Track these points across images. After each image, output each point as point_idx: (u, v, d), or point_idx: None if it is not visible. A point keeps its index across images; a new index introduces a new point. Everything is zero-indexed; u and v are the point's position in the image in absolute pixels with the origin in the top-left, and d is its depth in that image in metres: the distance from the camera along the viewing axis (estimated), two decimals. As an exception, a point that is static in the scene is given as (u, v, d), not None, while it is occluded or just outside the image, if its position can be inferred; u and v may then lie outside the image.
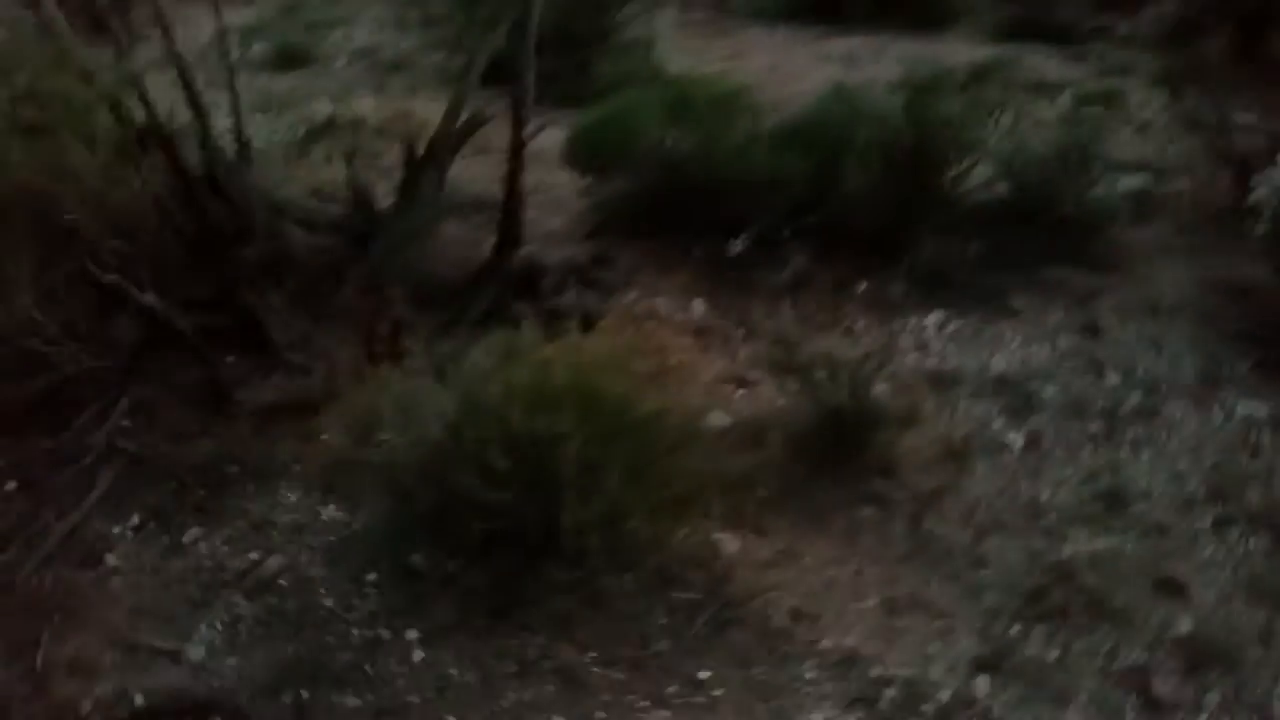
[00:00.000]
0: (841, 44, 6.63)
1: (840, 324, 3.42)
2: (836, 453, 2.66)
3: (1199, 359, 3.17)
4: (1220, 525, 2.49)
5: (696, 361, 3.22)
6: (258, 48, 6.09)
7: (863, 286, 3.61)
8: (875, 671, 2.13)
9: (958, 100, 3.99)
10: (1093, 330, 3.36)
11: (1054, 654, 2.16)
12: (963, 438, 2.82)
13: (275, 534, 2.44)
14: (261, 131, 4.88)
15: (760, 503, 2.57)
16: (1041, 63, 6.06)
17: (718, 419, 2.89)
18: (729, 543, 2.44)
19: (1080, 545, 2.43)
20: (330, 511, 2.48)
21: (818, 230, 3.66)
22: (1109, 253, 3.80)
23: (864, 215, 3.66)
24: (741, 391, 3.07)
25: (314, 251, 3.34)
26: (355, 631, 2.21)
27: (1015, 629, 2.22)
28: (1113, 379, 3.09)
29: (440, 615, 2.23)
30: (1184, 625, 2.20)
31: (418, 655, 2.16)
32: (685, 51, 6.33)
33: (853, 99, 3.85)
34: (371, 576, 2.28)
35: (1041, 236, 3.78)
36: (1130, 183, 4.15)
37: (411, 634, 2.20)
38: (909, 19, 6.99)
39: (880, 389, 2.85)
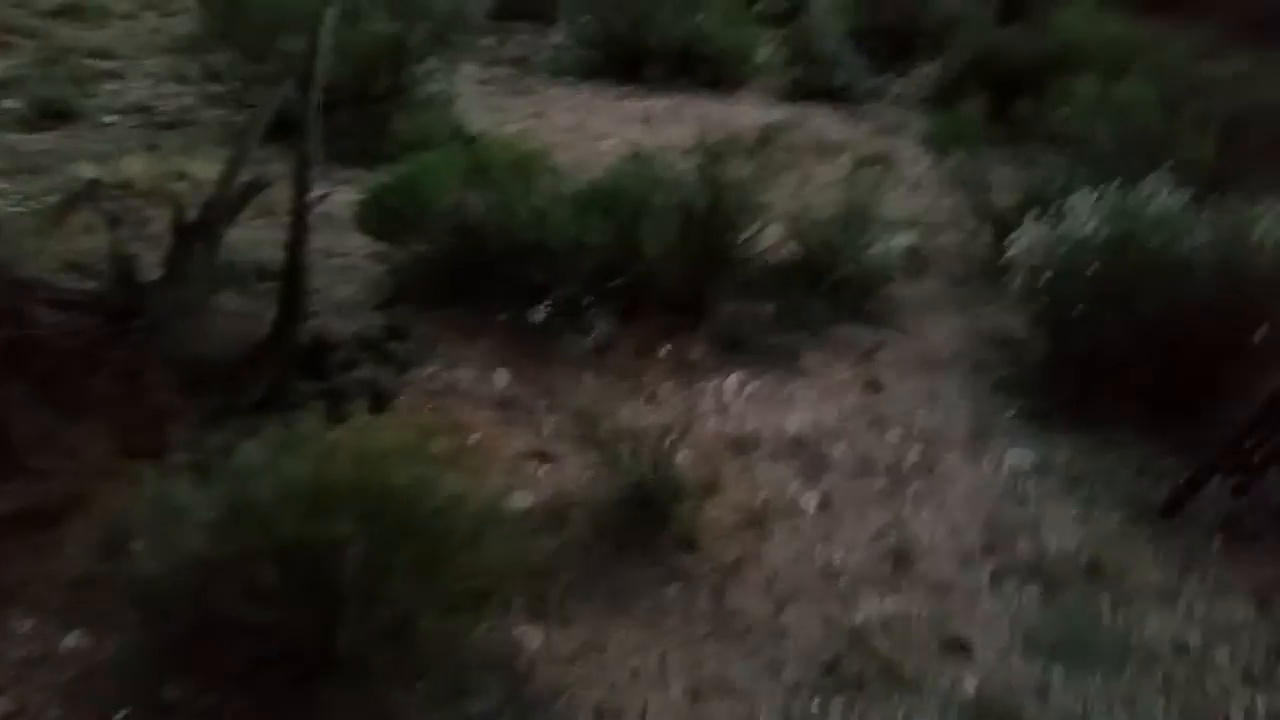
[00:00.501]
0: (641, 104, 6.78)
1: (643, 390, 3.43)
2: (639, 528, 2.63)
3: (970, 410, 3.38)
4: (997, 578, 2.63)
5: (498, 438, 3.13)
6: (10, 103, 5.55)
7: (665, 350, 3.64)
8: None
9: (748, 163, 4.14)
10: (875, 386, 3.53)
11: (851, 727, 2.20)
12: (761, 503, 2.86)
13: (2, 671, 2.13)
14: (10, 197, 4.44)
15: (564, 589, 2.50)
16: (824, 123, 6.43)
17: (519, 500, 2.81)
18: (530, 637, 2.34)
19: (872, 609, 2.50)
20: (72, 640, 2.19)
21: (620, 294, 3.67)
22: (887, 308, 4.02)
23: (663, 279, 3.71)
24: (545, 467, 3.00)
25: (64, 334, 3.01)
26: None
27: (815, 703, 2.24)
28: (894, 434, 3.24)
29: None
30: (970, 686, 2.29)
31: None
32: (486, 109, 6.28)
33: (650, 163, 3.91)
34: (119, 716, 2.02)
35: (827, 295, 3.96)
36: (903, 240, 4.42)
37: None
38: (704, 80, 7.26)
39: (682, 457, 2.85)
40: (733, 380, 3.53)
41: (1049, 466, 3.06)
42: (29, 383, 2.80)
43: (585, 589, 2.51)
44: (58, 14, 7.45)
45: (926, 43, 7.42)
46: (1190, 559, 2.70)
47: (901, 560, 2.67)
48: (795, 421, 3.29)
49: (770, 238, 4.07)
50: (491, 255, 3.70)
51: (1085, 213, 3.34)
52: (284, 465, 2.14)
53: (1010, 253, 3.53)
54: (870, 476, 3.02)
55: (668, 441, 2.77)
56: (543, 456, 3.04)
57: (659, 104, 6.72)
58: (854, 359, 3.70)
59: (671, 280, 3.68)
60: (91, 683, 2.07)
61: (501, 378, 3.43)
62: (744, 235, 3.86)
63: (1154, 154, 3.80)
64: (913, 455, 3.12)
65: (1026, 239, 3.47)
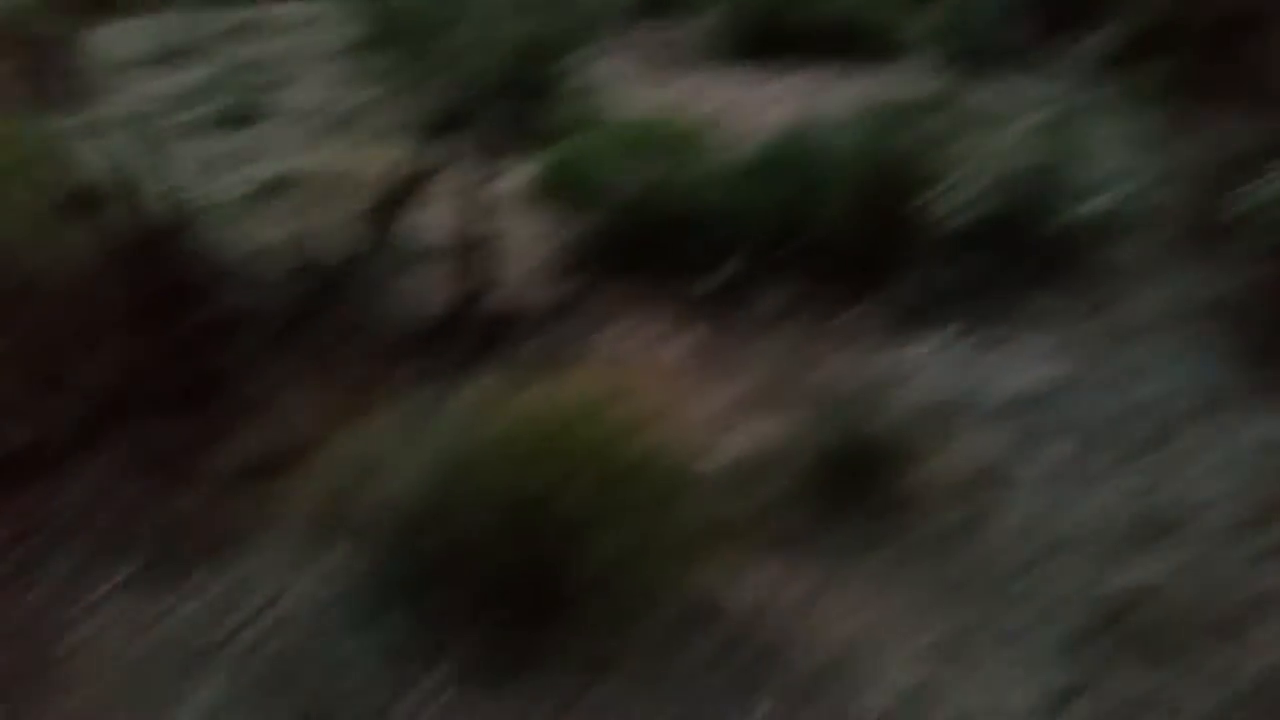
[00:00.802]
0: (794, 81, 6.62)
1: (832, 354, 3.29)
2: (853, 487, 2.50)
3: (1196, 379, 3.08)
4: (1272, 552, 2.35)
5: (687, 399, 3.06)
6: (200, 109, 5.90)
7: (845, 317, 3.49)
8: None
9: (915, 130, 3.94)
10: (1083, 353, 3.26)
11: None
12: (978, 467, 2.68)
13: (261, 591, 2.21)
14: (210, 190, 4.69)
15: (783, 543, 2.39)
16: (993, 91, 6.09)
17: (721, 455, 2.72)
18: (752, 589, 2.25)
19: (1121, 579, 2.28)
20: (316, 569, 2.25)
21: (795, 262, 3.55)
22: (1088, 273, 3.73)
23: (841, 246, 3.56)
24: (741, 427, 2.90)
25: (266, 310, 3.14)
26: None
27: (1053, 675, 2.04)
28: (1114, 403, 2.99)
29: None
30: (1246, 666, 2.04)
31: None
32: (641, 94, 6.27)
33: (817, 130, 3.78)
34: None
35: (1022, 259, 3.71)
36: (1103, 201, 4.11)
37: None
38: (860, 54, 7.03)
39: (885, 418, 2.70)
40: (926, 346, 3.34)
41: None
42: (242, 351, 2.93)
43: (806, 544, 2.39)
44: (234, 31, 7.92)
45: (1100, 4, 6.94)
46: None
47: (1149, 530, 2.42)
48: (1001, 386, 3.08)
49: (953, 201, 3.86)
50: (664, 226, 3.65)
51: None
52: (491, 419, 2.14)
53: (1234, 210, 3.20)
54: (1094, 442, 2.78)
55: (867, 402, 2.64)
56: (736, 417, 2.94)
57: (813, 81, 6.54)
58: (1058, 323, 3.45)
59: (848, 248, 3.53)
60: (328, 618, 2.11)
61: (683, 343, 3.36)
62: (921, 200, 3.67)
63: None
64: (1139, 425, 2.86)
65: (1251, 197, 3.14)
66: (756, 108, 6.01)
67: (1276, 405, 2.88)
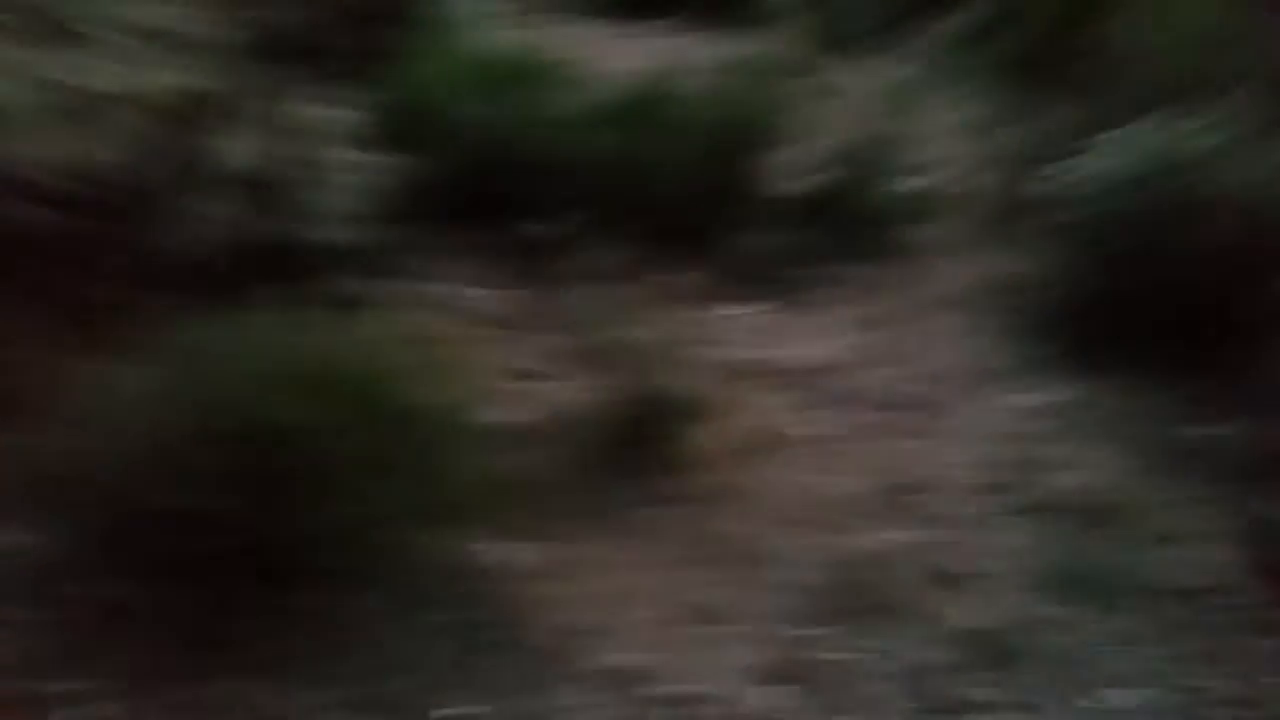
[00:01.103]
0: (657, 41, 6.59)
1: (645, 314, 3.30)
2: (631, 449, 2.53)
3: (980, 350, 3.26)
4: (996, 514, 2.52)
5: (487, 353, 3.02)
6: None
7: (670, 276, 3.52)
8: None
9: (770, 93, 3.99)
10: (885, 323, 3.39)
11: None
12: (756, 431, 2.75)
13: None
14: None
15: (544, 506, 2.40)
16: (846, 68, 6.22)
17: (500, 413, 2.70)
18: (502, 552, 2.25)
19: (865, 540, 2.39)
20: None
21: (633, 217, 3.54)
22: (903, 247, 3.87)
23: (680, 203, 3.57)
24: (535, 384, 2.89)
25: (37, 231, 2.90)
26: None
27: (798, 631, 2.14)
28: (900, 371, 3.13)
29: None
30: (960, 618, 2.18)
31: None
32: (498, 35, 6.12)
33: (671, 85, 3.76)
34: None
35: (842, 231, 3.81)
36: (924, 180, 4.27)
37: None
38: (727, 18, 7.04)
39: (680, 381, 2.74)
40: (737, 310, 3.40)
41: (1055, 408, 2.93)
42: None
43: (567, 506, 2.42)
44: None
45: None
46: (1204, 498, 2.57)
47: (897, 495, 2.55)
48: (797, 354, 3.17)
49: (789, 170, 3.94)
50: (504, 170, 3.56)
51: (1113, 152, 3.17)
52: (256, 356, 2.03)
53: (1034, 192, 3.38)
54: (869, 411, 2.90)
55: (664, 363, 2.67)
56: (533, 374, 2.93)
57: (677, 39, 6.53)
58: (861, 295, 3.57)
59: (688, 203, 3.54)
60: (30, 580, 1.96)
61: (497, 294, 3.32)
62: (760, 165, 3.72)
63: (1186, 97, 3.61)
64: (915, 392, 3.00)
65: (1047, 180, 3.32)
66: (617, 60, 5.95)
67: (1040, 379, 3.07)
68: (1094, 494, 2.56)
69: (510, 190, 3.52)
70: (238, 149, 3.58)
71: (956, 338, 3.33)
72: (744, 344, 3.22)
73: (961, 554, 2.37)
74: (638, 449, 2.54)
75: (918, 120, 5.30)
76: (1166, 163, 2.95)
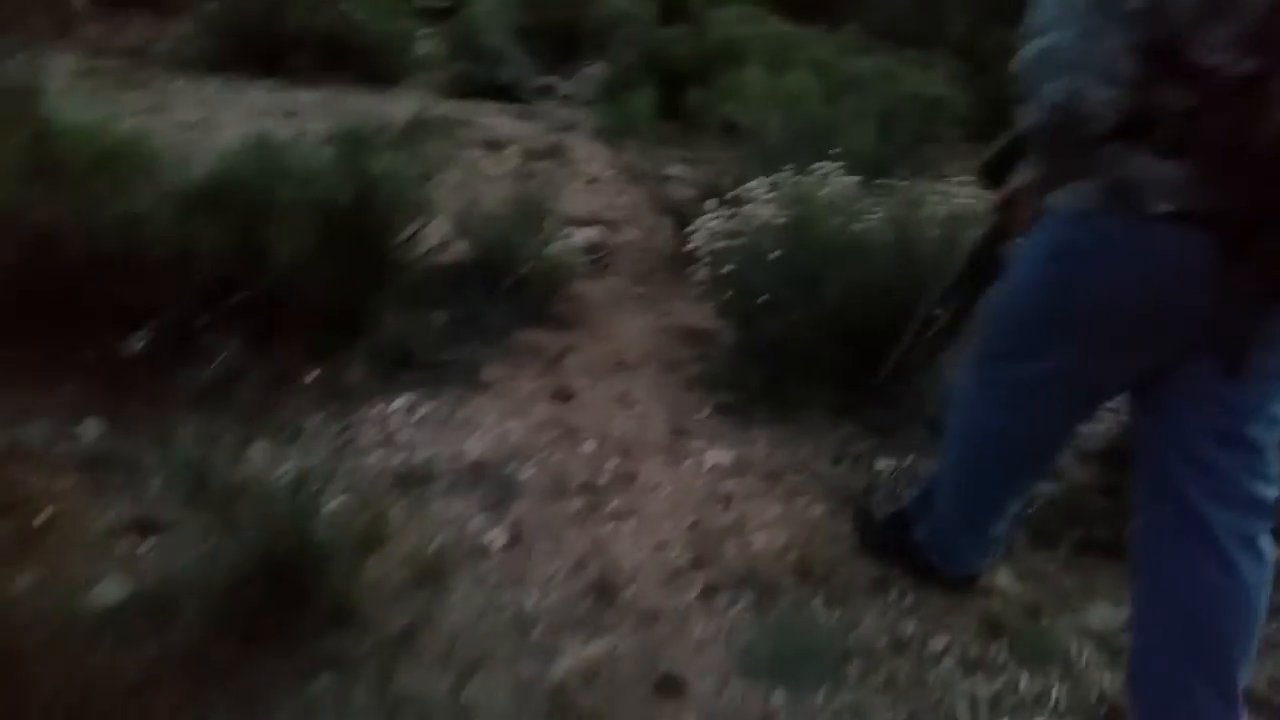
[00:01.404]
0: (281, 98, 6.03)
1: (284, 427, 2.81)
2: (277, 607, 2.04)
3: (665, 411, 3.12)
4: (707, 595, 2.33)
5: (84, 509, 2.38)
6: None
7: (313, 374, 3.04)
8: None
9: (403, 155, 3.62)
10: (564, 395, 3.16)
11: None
12: (437, 549, 2.37)
13: None
14: None
15: (173, 707, 1.86)
16: (491, 120, 6.05)
17: (110, 590, 2.11)
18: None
19: (574, 657, 2.10)
20: None
21: (250, 311, 3.02)
22: (571, 310, 3.70)
23: (306, 289, 3.09)
24: (148, 542, 2.30)
25: None
26: None
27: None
28: (589, 447, 2.88)
29: None
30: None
31: None
32: (87, 105, 5.24)
33: (280, 152, 3.26)
34: None
35: (504, 299, 3.56)
36: (583, 236, 4.14)
37: None
38: (356, 74, 6.63)
39: (334, 505, 2.29)
40: (399, 403, 3.01)
41: (749, 463, 2.84)
42: None
43: (202, 701, 1.89)
44: None
45: (591, 41, 7.31)
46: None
47: (604, 593, 2.30)
48: (476, 444, 2.84)
49: (436, 237, 3.61)
50: (74, 273, 2.89)
51: (762, 200, 3.19)
52: None
53: (691, 244, 3.32)
54: (565, 498, 2.63)
55: (312, 488, 2.21)
56: (145, 528, 2.34)
57: (303, 98, 6.00)
58: (539, 367, 3.32)
59: (315, 291, 3.08)
60: None
61: (91, 429, 2.66)
62: (403, 235, 3.35)
63: (821, 142, 3.78)
64: (609, 468, 2.78)
65: (706, 229, 3.28)
66: (232, 126, 5.33)
67: (734, 431, 2.99)
68: (798, 553, 2.47)
69: (88, 295, 2.87)
70: None
71: (647, 399, 3.17)
72: (413, 443, 2.83)
73: (680, 651, 2.16)
74: (290, 603, 2.06)
75: (572, 173, 5.23)
76: (814, 206, 2.99)
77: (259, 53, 6.48)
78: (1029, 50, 1.56)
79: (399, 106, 6.19)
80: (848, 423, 2.98)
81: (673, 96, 5.67)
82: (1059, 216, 1.74)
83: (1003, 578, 2.42)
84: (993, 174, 2.01)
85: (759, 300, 3.05)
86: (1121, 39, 1.50)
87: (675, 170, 4.96)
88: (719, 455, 2.87)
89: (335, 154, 3.27)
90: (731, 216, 3.20)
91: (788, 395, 3.05)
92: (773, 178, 3.25)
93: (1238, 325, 1.61)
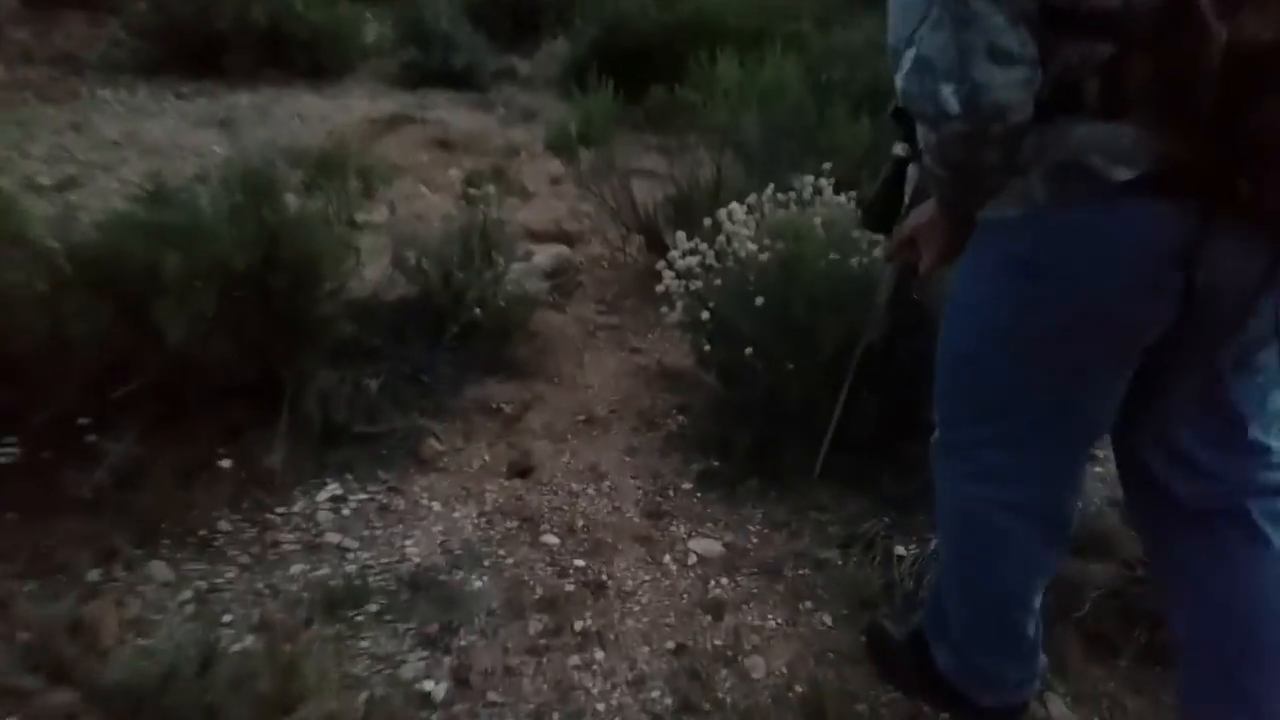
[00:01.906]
0: (219, 104, 5.51)
1: (192, 535, 2.37)
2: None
3: (642, 484, 2.67)
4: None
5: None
6: None
7: (225, 463, 2.60)
8: None
9: (325, 188, 3.13)
10: (525, 468, 2.71)
11: None
12: (365, 708, 1.94)
13: None
14: None
15: None
16: (446, 114, 5.53)
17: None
18: None
19: None
20: None
21: (147, 397, 2.56)
22: (530, 351, 3.24)
23: (209, 365, 2.63)
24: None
25: None
26: None
27: None
28: (552, 539, 2.44)
29: None
30: None
31: None
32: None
33: (170, 207, 2.76)
34: None
35: (453, 346, 3.10)
36: (542, 260, 3.67)
37: None
38: (301, 69, 6.10)
39: (244, 642, 1.87)
40: (325, 494, 2.56)
41: (741, 555, 2.40)
42: None
43: None
44: None
45: (550, 18, 6.74)
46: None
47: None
48: (416, 547, 2.40)
49: (372, 279, 3.15)
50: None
51: (742, 226, 2.72)
52: None
53: (666, 280, 2.82)
54: (522, 618, 2.20)
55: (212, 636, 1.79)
56: (17, 694, 1.91)
57: (240, 102, 5.48)
58: (493, 431, 2.87)
59: (219, 366, 2.62)
60: None
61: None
62: (326, 286, 2.87)
63: (806, 145, 3.30)
64: (575, 571, 2.34)
65: (681, 261, 2.78)
66: (158, 143, 4.82)
67: (721, 508, 2.56)
68: (805, 686, 2.04)
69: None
70: None
71: (619, 470, 2.71)
72: (346, 546, 2.39)
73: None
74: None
75: (536, 168, 4.74)
76: (804, 243, 2.51)
77: (193, 53, 5.93)
78: (903, 73, 1.36)
79: (346, 105, 5.69)
80: (855, 495, 2.52)
81: (638, 82, 5.15)
82: (1001, 227, 1.48)
83: (1055, 706, 1.99)
84: (879, 216, 1.80)
85: (744, 350, 2.59)
86: (1001, 14, 1.29)
87: (644, 164, 4.45)
88: (705, 545, 2.43)
89: (236, 203, 2.77)
90: (708, 251, 2.73)
91: (782, 460, 2.60)
92: (750, 199, 2.78)
93: (1234, 294, 1.38)
